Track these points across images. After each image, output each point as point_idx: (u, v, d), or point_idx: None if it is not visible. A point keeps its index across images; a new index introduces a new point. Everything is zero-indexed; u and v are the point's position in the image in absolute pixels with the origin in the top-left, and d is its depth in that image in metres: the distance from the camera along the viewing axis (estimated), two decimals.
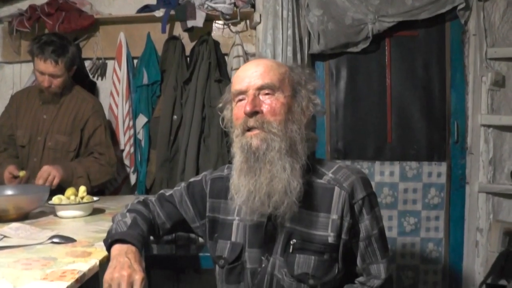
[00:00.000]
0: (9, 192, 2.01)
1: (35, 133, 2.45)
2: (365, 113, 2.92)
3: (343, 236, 1.30)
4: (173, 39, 2.93)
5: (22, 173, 2.24)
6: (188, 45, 2.95)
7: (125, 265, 1.17)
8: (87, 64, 3.06)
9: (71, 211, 1.91)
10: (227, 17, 2.86)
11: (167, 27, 2.89)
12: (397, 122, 2.90)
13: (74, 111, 2.47)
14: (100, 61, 3.05)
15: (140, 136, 2.94)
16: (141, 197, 1.53)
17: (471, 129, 2.86)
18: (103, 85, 3.09)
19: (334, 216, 1.29)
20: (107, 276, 1.16)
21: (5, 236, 1.53)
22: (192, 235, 2.15)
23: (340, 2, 2.75)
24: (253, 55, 2.90)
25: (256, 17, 2.79)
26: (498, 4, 2.80)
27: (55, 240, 1.50)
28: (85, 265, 1.26)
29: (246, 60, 2.76)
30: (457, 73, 2.88)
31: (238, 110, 1.32)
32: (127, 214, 1.39)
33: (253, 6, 2.85)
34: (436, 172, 2.88)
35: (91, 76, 3.06)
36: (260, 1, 2.79)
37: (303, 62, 2.70)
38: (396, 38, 2.89)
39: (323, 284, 1.30)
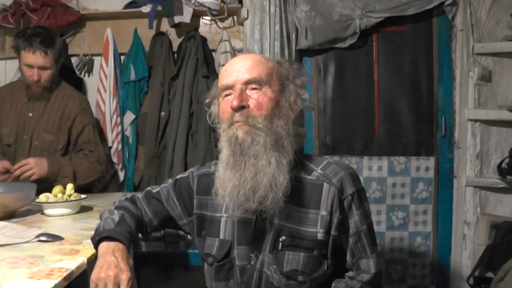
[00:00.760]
0: None
1: (21, 131, 2.39)
2: (353, 108, 2.93)
3: (333, 232, 1.30)
4: (160, 35, 2.92)
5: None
6: (176, 41, 2.93)
7: (112, 265, 1.16)
8: (74, 60, 3.01)
9: (59, 209, 1.89)
10: (215, 12, 2.84)
11: (154, 23, 2.87)
12: (385, 117, 2.91)
13: (60, 109, 2.42)
14: (87, 57, 3.02)
15: (128, 132, 2.91)
16: (129, 194, 1.52)
17: (458, 123, 2.88)
18: (90, 82, 3.06)
19: (324, 212, 1.29)
20: (93, 276, 1.15)
21: None
22: (181, 232, 2.15)
23: None
24: (241, 50, 2.89)
25: (244, 13, 2.78)
26: (485, 0, 2.82)
27: (42, 238, 1.48)
28: (73, 263, 1.25)
29: (233, 55, 2.74)
30: (444, 68, 2.90)
31: (225, 105, 1.30)
32: (115, 211, 1.38)
33: (241, 1, 2.84)
34: (424, 166, 2.90)
35: (78, 73, 3.03)
36: None
37: (290, 57, 2.70)
38: (383, 34, 2.89)
39: (312, 280, 1.29)
